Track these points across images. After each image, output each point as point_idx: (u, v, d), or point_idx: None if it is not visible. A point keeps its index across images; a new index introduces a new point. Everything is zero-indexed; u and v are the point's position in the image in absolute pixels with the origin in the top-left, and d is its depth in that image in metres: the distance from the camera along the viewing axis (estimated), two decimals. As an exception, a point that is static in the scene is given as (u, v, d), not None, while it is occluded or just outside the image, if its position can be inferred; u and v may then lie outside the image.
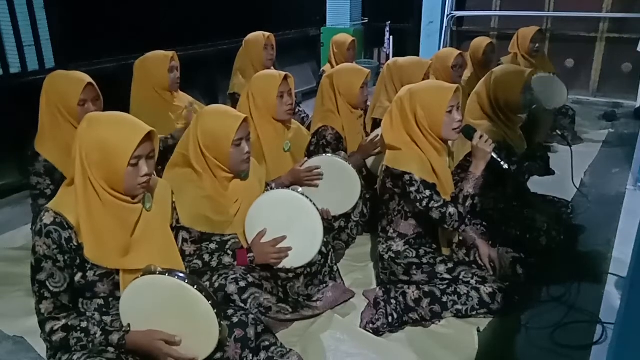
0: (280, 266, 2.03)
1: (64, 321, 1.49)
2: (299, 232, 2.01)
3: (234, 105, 3.51)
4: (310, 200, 2.02)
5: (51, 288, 1.48)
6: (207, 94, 4.86)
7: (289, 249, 2.00)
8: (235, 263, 1.96)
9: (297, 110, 3.89)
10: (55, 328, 1.48)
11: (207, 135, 1.91)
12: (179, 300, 1.47)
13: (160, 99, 2.95)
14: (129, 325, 1.50)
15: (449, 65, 3.48)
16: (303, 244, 2.02)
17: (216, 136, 1.90)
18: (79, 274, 1.50)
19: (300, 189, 2.09)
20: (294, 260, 2.03)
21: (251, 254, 1.98)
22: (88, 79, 2.30)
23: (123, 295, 1.48)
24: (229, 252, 1.97)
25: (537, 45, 4.39)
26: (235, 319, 1.61)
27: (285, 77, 2.49)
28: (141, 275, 1.47)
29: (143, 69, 2.96)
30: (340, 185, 2.45)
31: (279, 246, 1.99)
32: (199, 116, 1.98)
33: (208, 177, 1.95)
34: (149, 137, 1.50)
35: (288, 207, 2.02)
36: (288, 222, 2.01)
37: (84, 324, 1.49)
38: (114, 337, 1.48)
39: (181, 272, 1.49)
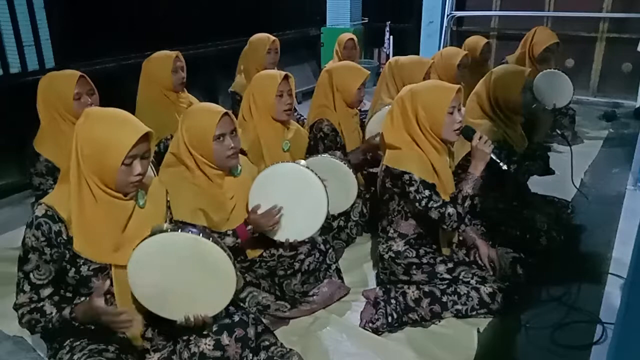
0: (282, 240, 2.02)
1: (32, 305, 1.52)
2: (303, 205, 2.01)
3: (234, 104, 3.53)
4: (316, 174, 2.02)
5: (33, 280, 1.50)
6: (207, 94, 4.85)
7: (279, 212, 1.99)
8: (239, 241, 1.96)
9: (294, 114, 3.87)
10: (24, 312, 1.52)
11: (191, 132, 1.91)
12: (196, 256, 1.47)
13: (165, 99, 2.95)
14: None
15: (454, 64, 3.47)
16: (307, 217, 2.02)
17: (198, 133, 1.90)
18: (72, 270, 1.50)
19: (303, 162, 2.09)
20: (298, 233, 2.03)
21: (250, 227, 1.98)
22: (80, 73, 2.32)
23: (133, 255, 1.46)
24: (228, 232, 1.97)
25: (548, 55, 4.14)
26: (235, 318, 1.61)
27: (286, 77, 2.48)
28: (150, 235, 1.46)
29: (149, 69, 2.97)
30: (336, 185, 2.44)
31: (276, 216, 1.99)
32: (183, 115, 1.99)
33: (201, 174, 1.95)
34: (145, 137, 1.50)
35: (292, 181, 2.03)
36: (291, 196, 2.01)
37: (39, 304, 1.51)
38: (66, 312, 1.49)
39: (194, 227, 1.49)
